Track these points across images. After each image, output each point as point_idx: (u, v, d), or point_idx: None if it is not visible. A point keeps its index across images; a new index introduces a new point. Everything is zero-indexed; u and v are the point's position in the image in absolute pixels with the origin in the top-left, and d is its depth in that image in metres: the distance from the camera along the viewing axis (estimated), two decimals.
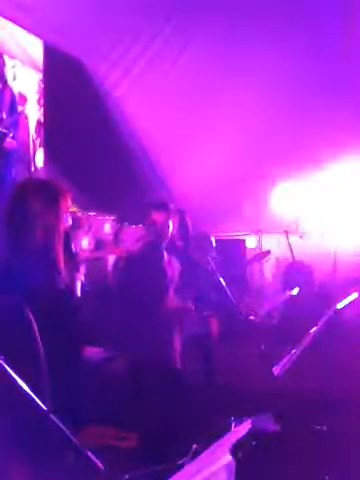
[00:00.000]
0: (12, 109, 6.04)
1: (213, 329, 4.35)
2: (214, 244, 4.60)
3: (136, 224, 6.85)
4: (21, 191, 2.10)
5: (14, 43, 6.40)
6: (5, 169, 5.94)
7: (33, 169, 6.79)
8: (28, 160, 6.66)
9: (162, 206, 3.37)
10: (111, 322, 3.35)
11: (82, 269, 2.23)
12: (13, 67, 6.36)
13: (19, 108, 6.32)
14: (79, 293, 2.18)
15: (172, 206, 3.49)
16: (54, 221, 2.03)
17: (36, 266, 1.92)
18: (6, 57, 6.19)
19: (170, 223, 3.35)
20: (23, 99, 6.57)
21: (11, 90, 6.15)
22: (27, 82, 6.67)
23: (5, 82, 6.07)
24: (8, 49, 6.31)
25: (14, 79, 6.37)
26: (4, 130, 5.69)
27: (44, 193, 2.06)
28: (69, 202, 2.17)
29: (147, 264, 3.19)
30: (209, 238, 4.62)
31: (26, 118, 6.60)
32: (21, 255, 1.94)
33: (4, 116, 5.83)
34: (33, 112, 6.83)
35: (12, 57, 6.35)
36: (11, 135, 5.79)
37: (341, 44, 6.93)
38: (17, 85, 6.41)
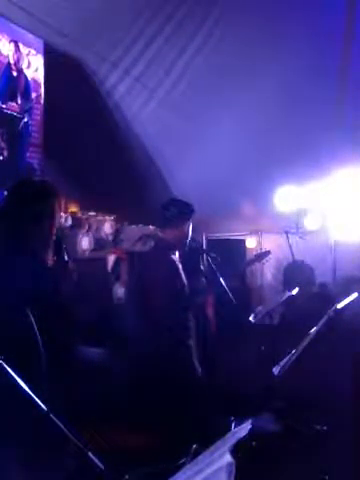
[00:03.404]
0: (26, 95, 6.31)
1: (213, 329, 4.35)
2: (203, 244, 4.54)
3: (136, 224, 6.87)
4: (16, 192, 2.10)
5: (28, 32, 6.51)
6: (19, 153, 6.14)
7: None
8: (41, 144, 6.77)
9: (192, 212, 3.29)
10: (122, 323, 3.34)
11: (74, 275, 2.21)
12: (27, 55, 6.51)
13: (33, 94, 6.54)
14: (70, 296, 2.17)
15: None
16: (46, 223, 2.03)
17: (27, 267, 1.92)
18: (21, 45, 6.34)
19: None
20: (37, 85, 6.71)
21: (25, 77, 6.38)
22: (40, 69, 6.78)
23: (20, 69, 6.27)
24: (23, 37, 6.42)
25: (28, 66, 6.53)
26: (19, 115, 5.89)
27: (38, 195, 2.05)
28: (62, 204, 2.16)
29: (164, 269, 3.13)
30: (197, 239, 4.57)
31: (39, 104, 6.73)
32: (14, 255, 1.94)
33: (19, 102, 6.04)
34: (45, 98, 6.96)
35: (27, 45, 6.48)
36: (25, 120, 6.00)
37: (345, 46, 6.94)
38: (31, 72, 6.58)
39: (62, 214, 5.54)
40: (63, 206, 5.74)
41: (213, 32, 6.88)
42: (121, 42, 6.96)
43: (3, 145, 5.91)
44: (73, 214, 6.23)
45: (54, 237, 2.07)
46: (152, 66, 7.18)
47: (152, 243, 4.37)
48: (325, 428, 2.72)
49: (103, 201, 6.53)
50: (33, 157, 6.53)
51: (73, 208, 6.71)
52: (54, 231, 2.07)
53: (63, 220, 5.69)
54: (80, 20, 6.27)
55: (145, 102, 7.43)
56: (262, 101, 6.90)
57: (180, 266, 3.24)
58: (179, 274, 3.21)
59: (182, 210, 3.30)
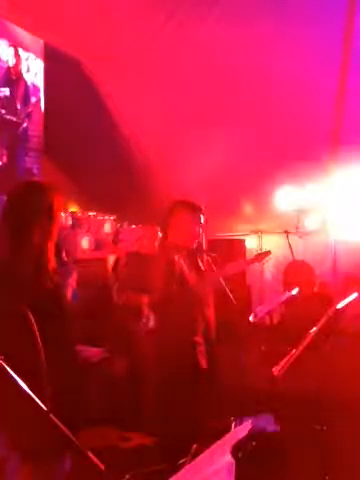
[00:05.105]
0: (26, 100, 6.39)
1: (213, 329, 4.34)
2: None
3: (136, 224, 6.87)
4: (18, 193, 2.10)
5: (28, 36, 6.56)
6: (19, 158, 6.17)
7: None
8: (40, 149, 6.78)
9: (200, 213, 3.36)
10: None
11: (74, 275, 2.22)
12: (27, 59, 6.55)
13: (32, 99, 6.59)
14: (70, 297, 2.18)
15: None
16: (49, 223, 2.03)
17: (29, 267, 1.92)
18: (20, 50, 6.38)
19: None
20: (36, 90, 6.73)
21: (25, 82, 6.44)
22: (40, 74, 6.82)
23: (19, 74, 6.32)
24: (22, 42, 6.47)
25: (28, 71, 6.57)
26: (18, 120, 5.93)
27: (40, 196, 2.05)
28: (62, 204, 2.16)
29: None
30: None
31: (39, 108, 6.76)
32: (16, 256, 1.94)
33: (18, 107, 6.07)
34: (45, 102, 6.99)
35: (26, 50, 6.52)
36: (25, 125, 6.05)
37: (345, 43, 6.94)
38: (30, 77, 6.62)
39: (62, 214, 5.55)
40: (63, 206, 5.74)
41: (213, 32, 6.88)
42: (121, 42, 6.96)
43: (3, 150, 5.94)
44: (73, 214, 6.23)
45: (57, 237, 2.07)
46: (152, 66, 7.18)
47: (156, 243, 4.39)
48: (325, 428, 2.71)
49: (103, 201, 6.53)
50: (32, 162, 6.55)
51: (73, 208, 6.71)
52: (57, 230, 2.07)
53: (63, 220, 5.69)
54: (80, 20, 6.27)
55: (145, 102, 7.42)
56: (263, 100, 6.91)
57: (185, 265, 3.27)
58: (183, 273, 3.24)
59: (191, 211, 3.36)
